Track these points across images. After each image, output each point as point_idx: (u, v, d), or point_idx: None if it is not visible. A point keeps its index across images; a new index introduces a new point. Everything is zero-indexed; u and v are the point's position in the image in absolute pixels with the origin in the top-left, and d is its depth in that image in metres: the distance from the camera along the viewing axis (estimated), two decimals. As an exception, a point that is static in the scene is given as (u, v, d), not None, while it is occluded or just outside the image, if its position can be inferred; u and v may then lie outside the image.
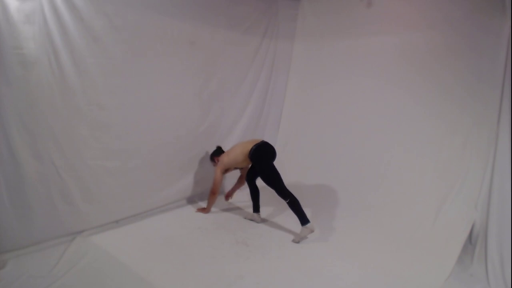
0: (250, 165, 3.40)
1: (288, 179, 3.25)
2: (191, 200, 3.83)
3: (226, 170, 3.45)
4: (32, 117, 2.49)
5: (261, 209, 3.45)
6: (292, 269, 2.60)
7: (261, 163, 3.16)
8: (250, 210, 3.51)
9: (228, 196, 3.69)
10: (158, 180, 3.44)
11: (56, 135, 2.63)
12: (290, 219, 3.21)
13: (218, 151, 3.56)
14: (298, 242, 2.97)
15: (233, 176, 3.80)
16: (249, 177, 3.43)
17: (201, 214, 3.51)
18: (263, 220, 3.41)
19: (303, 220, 2.94)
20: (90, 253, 2.60)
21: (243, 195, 4.05)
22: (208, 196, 3.51)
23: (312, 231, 2.95)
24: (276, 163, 3.24)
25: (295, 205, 2.97)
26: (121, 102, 2.99)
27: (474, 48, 3.03)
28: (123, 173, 3.11)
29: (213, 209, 3.62)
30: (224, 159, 3.37)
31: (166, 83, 3.31)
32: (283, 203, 3.07)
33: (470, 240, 2.89)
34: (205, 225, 3.27)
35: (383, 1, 3.64)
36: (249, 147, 3.20)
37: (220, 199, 3.97)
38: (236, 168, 3.55)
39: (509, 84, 2.73)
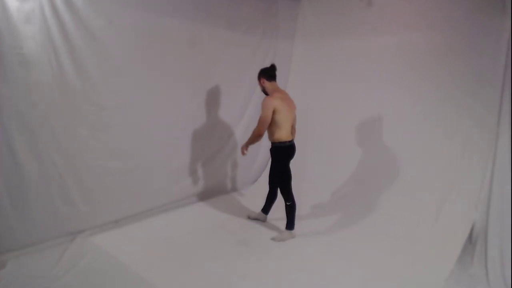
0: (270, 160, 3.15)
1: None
2: (191, 200, 3.82)
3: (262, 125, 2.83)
4: (32, 117, 2.49)
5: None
6: (293, 269, 2.59)
7: (282, 160, 3.02)
8: (252, 210, 3.51)
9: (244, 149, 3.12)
10: (158, 180, 3.43)
11: (56, 135, 2.63)
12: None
13: (271, 75, 2.95)
14: (277, 241, 2.99)
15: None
16: (271, 179, 3.26)
17: (200, 214, 3.49)
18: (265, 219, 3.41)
19: (291, 225, 3.06)
20: (90, 253, 2.60)
21: (243, 198, 4.06)
22: (251, 137, 2.95)
23: (293, 237, 3.05)
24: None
25: (291, 210, 3.05)
26: (121, 102, 2.99)
27: (474, 48, 3.03)
28: (123, 173, 3.11)
29: (213, 209, 3.62)
30: (275, 104, 2.80)
31: (166, 83, 3.31)
32: (284, 206, 3.08)
33: (470, 240, 2.89)
34: (205, 225, 3.27)
35: (383, 1, 3.65)
36: (290, 136, 3.00)
37: (220, 199, 3.97)
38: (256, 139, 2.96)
39: (509, 84, 2.73)
